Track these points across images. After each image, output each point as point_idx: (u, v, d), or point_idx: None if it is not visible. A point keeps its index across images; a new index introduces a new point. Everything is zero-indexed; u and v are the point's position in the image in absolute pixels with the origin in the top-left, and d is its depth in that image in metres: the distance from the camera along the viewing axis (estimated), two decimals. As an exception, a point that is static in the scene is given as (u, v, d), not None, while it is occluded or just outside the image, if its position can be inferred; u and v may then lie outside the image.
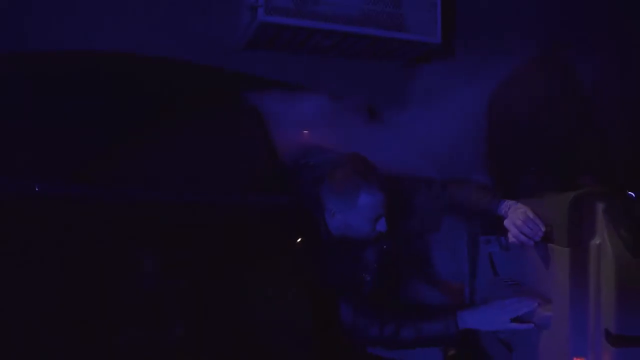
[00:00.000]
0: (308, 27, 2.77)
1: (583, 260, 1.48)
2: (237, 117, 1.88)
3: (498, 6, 3.43)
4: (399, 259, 1.97)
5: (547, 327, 1.68)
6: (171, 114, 1.71)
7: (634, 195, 1.42)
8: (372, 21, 2.97)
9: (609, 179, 1.52)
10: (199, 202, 1.55)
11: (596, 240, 1.45)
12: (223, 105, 1.90)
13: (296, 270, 1.64)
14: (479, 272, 2.25)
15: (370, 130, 2.17)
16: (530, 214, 1.68)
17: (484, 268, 2.28)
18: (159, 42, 2.31)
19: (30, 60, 1.72)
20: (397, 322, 1.76)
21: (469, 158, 2.36)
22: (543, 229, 1.65)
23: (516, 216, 1.70)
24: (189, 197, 1.53)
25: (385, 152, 2.00)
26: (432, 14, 3.14)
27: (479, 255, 2.43)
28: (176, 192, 1.52)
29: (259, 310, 1.53)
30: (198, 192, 1.56)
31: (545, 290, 1.69)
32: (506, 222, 1.72)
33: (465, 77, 2.59)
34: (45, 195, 1.34)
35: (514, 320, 1.69)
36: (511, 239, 1.71)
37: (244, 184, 1.66)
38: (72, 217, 1.34)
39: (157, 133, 1.62)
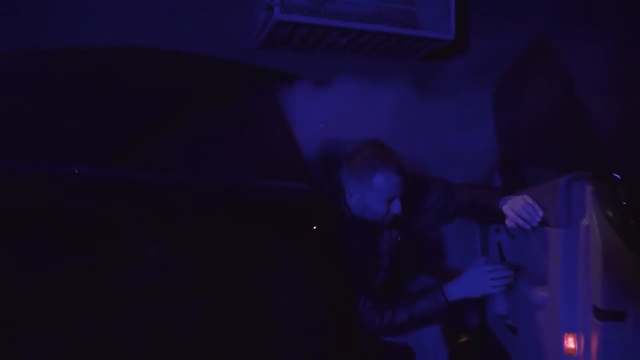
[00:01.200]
0: (323, 25, 2.86)
1: (573, 240, 1.56)
2: (259, 108, 1.97)
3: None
4: (412, 250, 2.06)
5: (544, 307, 1.76)
6: (195, 104, 1.81)
7: (619, 177, 1.49)
8: (386, 18, 3.04)
9: (596, 164, 1.59)
10: (220, 186, 1.60)
11: (585, 222, 1.53)
12: (246, 95, 2.00)
13: (315, 256, 1.68)
14: (490, 261, 2.31)
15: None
16: (529, 200, 1.78)
17: (494, 257, 2.37)
18: (174, 43, 2.42)
19: (64, 56, 1.83)
20: (392, 308, 1.85)
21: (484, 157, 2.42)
22: (541, 213, 1.74)
23: (515, 202, 1.81)
24: (210, 181, 1.60)
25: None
26: (445, 10, 3.19)
27: (489, 245, 2.52)
28: (199, 176, 1.59)
29: (275, 296, 1.58)
30: (219, 177, 1.63)
31: (544, 271, 1.77)
32: (505, 208, 1.82)
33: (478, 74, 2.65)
34: (72, 178, 1.40)
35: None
36: (509, 223, 1.80)
37: (266, 171, 1.73)
38: (91, 199, 1.40)
39: (182, 121, 1.72)
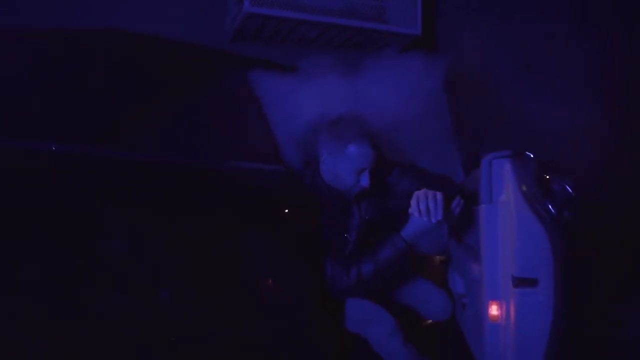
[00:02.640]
0: (293, 19, 2.95)
1: (494, 215, 1.69)
2: (235, 91, 2.04)
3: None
4: (379, 228, 2.08)
5: (478, 280, 1.89)
6: (175, 85, 1.86)
7: (531, 155, 1.64)
8: (355, 13, 3.15)
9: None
10: (199, 165, 1.68)
11: (503, 197, 1.67)
12: (220, 81, 2.06)
13: (290, 233, 1.79)
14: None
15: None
16: (431, 195, 1.80)
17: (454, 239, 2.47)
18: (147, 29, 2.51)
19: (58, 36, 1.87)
20: (357, 263, 1.92)
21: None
22: (440, 210, 1.78)
23: (419, 194, 1.83)
24: (189, 160, 1.68)
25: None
26: (413, 6, 3.31)
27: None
28: (177, 155, 1.65)
29: (253, 272, 1.68)
30: (198, 156, 1.71)
31: (478, 246, 1.90)
32: (413, 197, 1.84)
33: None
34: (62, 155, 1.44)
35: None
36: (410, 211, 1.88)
37: (240, 153, 1.82)
38: (76, 175, 1.44)
39: (163, 102, 1.77)
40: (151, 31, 2.09)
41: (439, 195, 1.78)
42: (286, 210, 1.82)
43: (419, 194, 1.81)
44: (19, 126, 1.46)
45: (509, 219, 1.64)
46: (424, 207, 1.77)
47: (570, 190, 1.56)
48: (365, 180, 1.96)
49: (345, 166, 1.95)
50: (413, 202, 1.81)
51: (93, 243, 1.39)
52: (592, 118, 2.73)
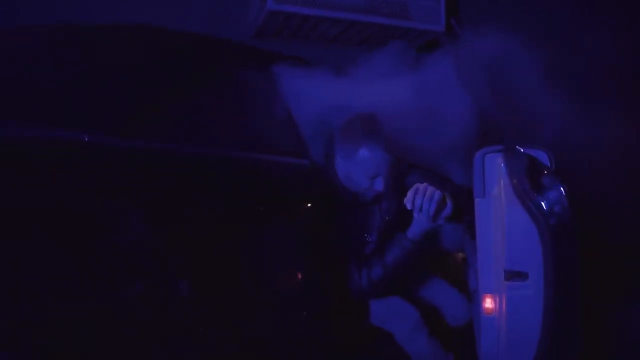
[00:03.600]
0: (315, 16, 3.02)
1: (487, 209, 1.72)
2: (258, 85, 2.05)
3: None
4: (399, 228, 2.08)
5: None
6: (195, 77, 1.90)
7: (522, 149, 1.65)
8: (377, 10, 3.18)
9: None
10: (218, 156, 1.68)
11: (495, 191, 1.69)
12: (245, 73, 2.09)
13: (311, 228, 1.80)
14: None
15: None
16: (423, 189, 1.78)
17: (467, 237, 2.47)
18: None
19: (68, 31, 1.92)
20: (367, 265, 1.91)
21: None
22: (433, 207, 1.77)
23: (416, 188, 1.81)
24: (209, 151, 1.68)
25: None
26: (436, 2, 3.31)
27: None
28: (197, 146, 1.66)
29: (271, 265, 1.70)
30: (218, 147, 1.70)
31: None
32: (410, 189, 1.82)
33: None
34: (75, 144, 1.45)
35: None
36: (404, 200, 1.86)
37: (265, 146, 1.83)
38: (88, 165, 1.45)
39: (186, 96, 1.79)
40: (175, 26, 2.14)
41: (437, 194, 1.77)
42: (309, 205, 1.83)
43: (419, 187, 1.79)
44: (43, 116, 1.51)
45: (500, 212, 1.66)
46: (418, 203, 1.77)
47: (561, 186, 1.56)
48: (379, 185, 1.92)
49: (357, 171, 1.92)
50: (410, 193, 1.78)
51: (110, 234, 1.43)
52: (617, 122, 2.67)
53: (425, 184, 1.82)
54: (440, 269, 2.43)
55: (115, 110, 1.63)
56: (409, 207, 1.81)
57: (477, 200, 1.74)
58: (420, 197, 1.79)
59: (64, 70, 1.66)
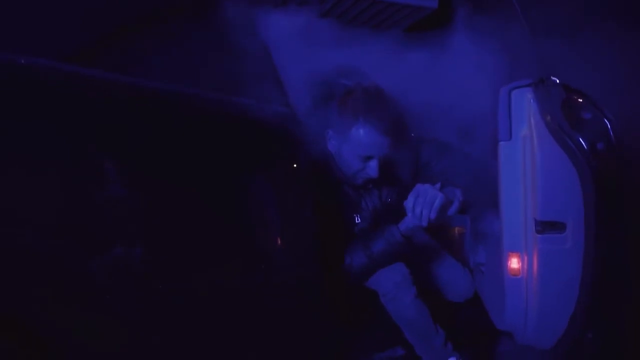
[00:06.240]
0: (302, -10, 2.83)
1: (514, 153, 1.49)
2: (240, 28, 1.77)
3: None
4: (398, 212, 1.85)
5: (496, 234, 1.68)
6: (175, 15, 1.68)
7: (557, 80, 1.44)
8: (368, -15, 3.00)
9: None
10: (199, 97, 1.48)
11: (524, 131, 1.47)
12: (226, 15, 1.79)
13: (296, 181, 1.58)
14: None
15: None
16: (428, 198, 1.59)
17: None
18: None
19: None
20: (349, 253, 1.72)
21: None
22: (434, 215, 1.58)
23: (418, 188, 1.63)
24: (191, 91, 1.47)
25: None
26: (428, -24, 3.14)
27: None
28: (178, 84, 1.46)
29: (256, 214, 1.48)
30: (200, 87, 1.50)
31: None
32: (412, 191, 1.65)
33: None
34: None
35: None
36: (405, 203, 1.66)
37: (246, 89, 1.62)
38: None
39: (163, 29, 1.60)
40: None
41: (438, 200, 1.56)
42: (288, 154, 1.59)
43: (420, 190, 1.59)
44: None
45: (531, 155, 1.44)
46: (418, 210, 1.57)
47: (606, 119, 1.34)
48: (373, 170, 1.70)
49: (349, 151, 1.71)
50: (411, 196, 1.59)
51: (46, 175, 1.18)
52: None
53: (427, 185, 1.60)
54: (443, 242, 2.20)
55: (72, 36, 1.41)
56: (408, 213, 1.60)
57: (501, 144, 1.52)
58: (420, 203, 1.57)
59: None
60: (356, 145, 1.68)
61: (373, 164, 1.69)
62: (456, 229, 2.38)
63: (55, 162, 1.17)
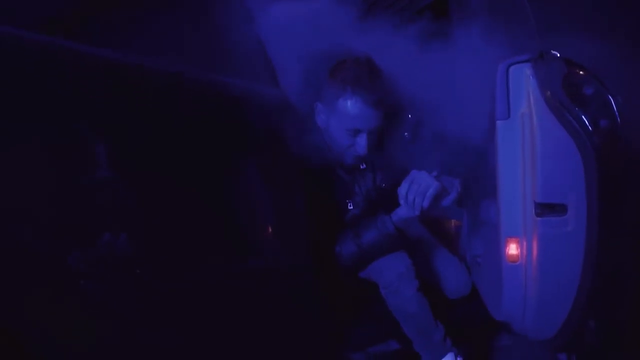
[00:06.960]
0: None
1: (512, 132, 1.42)
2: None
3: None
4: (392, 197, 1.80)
5: (492, 220, 1.61)
6: None
7: (557, 54, 1.36)
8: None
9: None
10: (186, 75, 1.41)
11: (523, 109, 1.39)
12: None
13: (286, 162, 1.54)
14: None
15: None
16: (422, 187, 1.54)
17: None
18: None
19: None
20: (339, 242, 1.68)
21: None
22: (427, 203, 1.55)
23: (414, 177, 1.58)
24: (177, 68, 1.40)
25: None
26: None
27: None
28: (160, 60, 1.37)
29: (244, 199, 1.42)
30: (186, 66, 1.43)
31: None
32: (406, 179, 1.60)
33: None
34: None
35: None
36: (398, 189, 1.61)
37: (235, 71, 1.56)
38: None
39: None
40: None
41: (432, 189, 1.52)
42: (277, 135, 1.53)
43: (415, 177, 1.54)
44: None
45: (530, 134, 1.36)
46: (411, 198, 1.52)
47: (609, 95, 1.26)
48: (361, 147, 1.64)
49: (336, 124, 1.65)
50: (405, 183, 1.54)
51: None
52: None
53: (423, 172, 1.55)
54: (439, 235, 2.13)
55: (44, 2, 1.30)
56: (400, 201, 1.54)
57: (499, 124, 1.44)
58: (414, 191, 1.52)
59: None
60: (343, 117, 1.62)
61: (361, 140, 1.63)
62: (452, 222, 2.31)
63: (22, 143, 1.06)
